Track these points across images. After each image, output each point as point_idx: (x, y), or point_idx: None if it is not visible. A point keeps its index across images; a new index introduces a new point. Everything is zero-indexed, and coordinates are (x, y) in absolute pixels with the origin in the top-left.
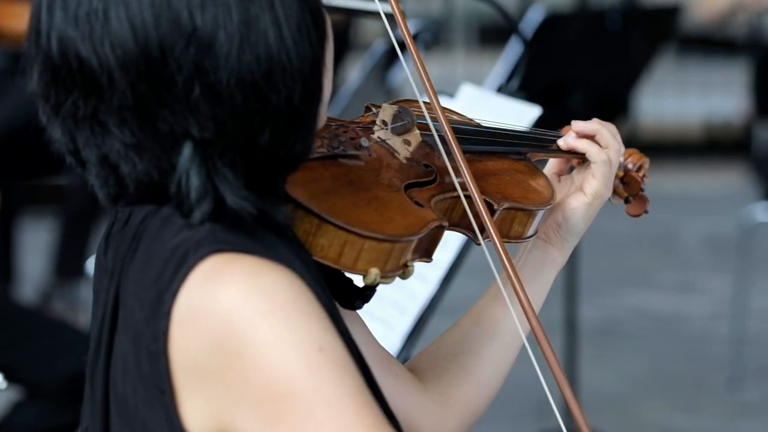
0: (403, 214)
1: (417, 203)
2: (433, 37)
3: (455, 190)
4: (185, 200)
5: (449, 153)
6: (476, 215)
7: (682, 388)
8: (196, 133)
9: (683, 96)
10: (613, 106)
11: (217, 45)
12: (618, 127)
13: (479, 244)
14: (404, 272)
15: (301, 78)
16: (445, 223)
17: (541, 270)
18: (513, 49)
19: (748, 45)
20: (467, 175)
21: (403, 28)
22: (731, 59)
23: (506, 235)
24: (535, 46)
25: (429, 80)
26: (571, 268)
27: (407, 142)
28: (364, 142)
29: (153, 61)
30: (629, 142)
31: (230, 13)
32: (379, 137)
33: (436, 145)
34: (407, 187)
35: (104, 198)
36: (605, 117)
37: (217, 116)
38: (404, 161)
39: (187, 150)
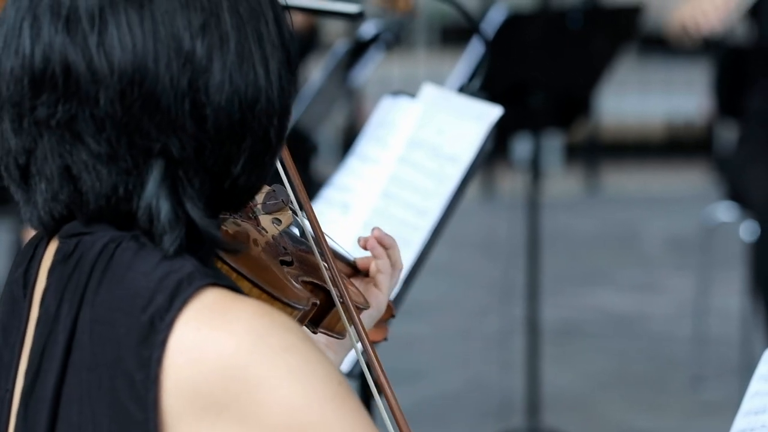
0: (290, 285)
1: (291, 279)
2: (395, 37)
3: (308, 276)
4: (155, 223)
5: (316, 242)
6: (345, 309)
7: (644, 387)
8: (176, 151)
9: (645, 96)
10: (574, 106)
11: (212, 69)
12: (580, 127)
13: (314, 333)
14: None
15: (278, 113)
16: (318, 302)
17: None
18: (474, 49)
19: (709, 45)
20: (331, 262)
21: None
22: (693, 59)
23: (333, 329)
24: (496, 46)
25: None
26: (533, 268)
27: (277, 221)
28: (258, 211)
29: (147, 72)
30: (591, 141)
31: (227, 41)
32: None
33: (303, 234)
34: (280, 263)
35: (45, 216)
36: (567, 116)
37: (199, 136)
38: (271, 239)
39: (158, 169)
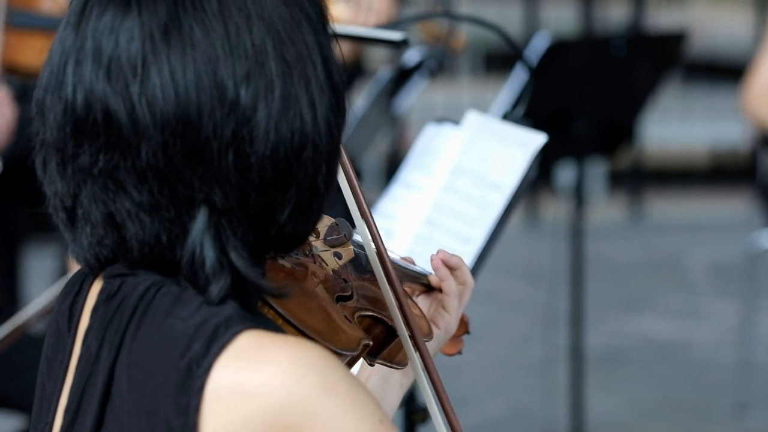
0: (342, 328)
1: (346, 317)
2: (439, 64)
3: (368, 309)
4: (199, 272)
5: (384, 274)
6: (408, 338)
7: (688, 414)
8: (219, 201)
9: (689, 122)
10: (618, 133)
11: (257, 117)
12: (623, 154)
13: (371, 365)
14: None
15: (326, 159)
16: (371, 343)
17: (390, 393)
18: (518, 76)
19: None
20: (400, 295)
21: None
22: (737, 86)
23: (392, 360)
24: (540, 73)
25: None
26: (577, 295)
27: (338, 255)
28: (315, 249)
29: (190, 123)
30: (635, 168)
31: (273, 89)
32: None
33: (369, 262)
34: (336, 300)
35: (91, 259)
36: (611, 143)
37: (243, 186)
38: (330, 273)
39: (201, 218)
